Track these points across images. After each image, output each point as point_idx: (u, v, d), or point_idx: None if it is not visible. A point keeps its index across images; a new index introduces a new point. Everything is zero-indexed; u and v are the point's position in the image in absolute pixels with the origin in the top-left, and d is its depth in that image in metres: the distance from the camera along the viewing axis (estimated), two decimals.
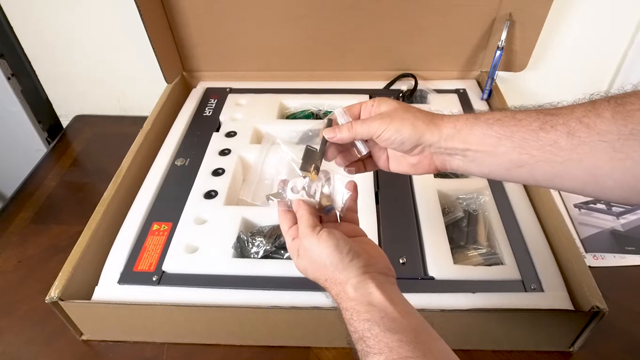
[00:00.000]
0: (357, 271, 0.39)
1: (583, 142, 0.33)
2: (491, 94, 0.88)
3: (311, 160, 0.45)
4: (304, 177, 0.45)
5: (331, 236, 0.40)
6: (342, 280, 0.39)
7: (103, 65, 1.00)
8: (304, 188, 0.45)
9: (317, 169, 0.45)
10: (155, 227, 0.65)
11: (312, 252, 0.40)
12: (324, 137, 0.46)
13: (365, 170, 0.50)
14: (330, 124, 0.47)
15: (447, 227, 0.63)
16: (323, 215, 0.45)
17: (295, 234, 0.43)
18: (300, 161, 0.46)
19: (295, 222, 0.44)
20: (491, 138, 0.38)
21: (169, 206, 0.68)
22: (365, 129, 0.43)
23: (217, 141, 0.79)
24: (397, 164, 0.47)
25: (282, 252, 0.61)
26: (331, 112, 0.88)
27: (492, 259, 0.61)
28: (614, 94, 0.34)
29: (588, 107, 0.34)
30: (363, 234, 0.45)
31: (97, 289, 0.58)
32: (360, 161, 0.50)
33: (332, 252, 0.39)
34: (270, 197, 0.46)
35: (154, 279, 0.58)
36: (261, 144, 0.65)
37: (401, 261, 0.59)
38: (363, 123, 0.43)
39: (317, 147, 0.46)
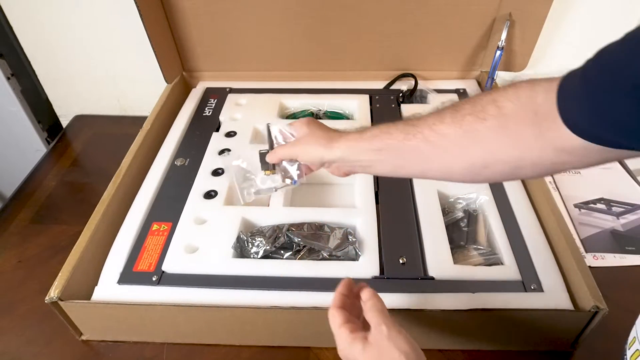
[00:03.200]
0: None
1: (435, 144, 0.43)
2: None
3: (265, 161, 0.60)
4: (266, 175, 0.62)
5: (408, 336, 0.41)
6: None
7: (103, 65, 1.00)
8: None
9: (272, 167, 0.60)
10: (155, 227, 0.65)
11: (391, 344, 0.40)
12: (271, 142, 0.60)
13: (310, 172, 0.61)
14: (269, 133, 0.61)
15: (447, 227, 0.63)
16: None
17: (355, 326, 0.43)
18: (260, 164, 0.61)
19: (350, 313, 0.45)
20: (373, 152, 0.48)
21: (168, 206, 0.68)
22: (287, 153, 0.56)
23: (217, 141, 0.79)
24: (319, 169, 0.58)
25: (282, 252, 0.61)
26: (332, 112, 0.89)
27: (492, 259, 0.61)
28: (455, 102, 0.43)
29: (436, 116, 0.44)
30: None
31: (96, 289, 0.58)
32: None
33: (412, 351, 0.39)
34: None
35: (154, 279, 0.58)
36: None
37: (401, 261, 0.59)
38: (283, 148, 0.57)
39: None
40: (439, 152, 0.44)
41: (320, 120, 0.61)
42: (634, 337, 0.35)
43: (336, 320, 0.43)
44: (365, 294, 0.45)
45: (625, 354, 0.40)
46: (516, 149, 0.39)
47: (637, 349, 0.34)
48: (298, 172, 0.59)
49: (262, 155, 0.61)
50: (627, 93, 0.30)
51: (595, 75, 0.34)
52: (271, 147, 0.60)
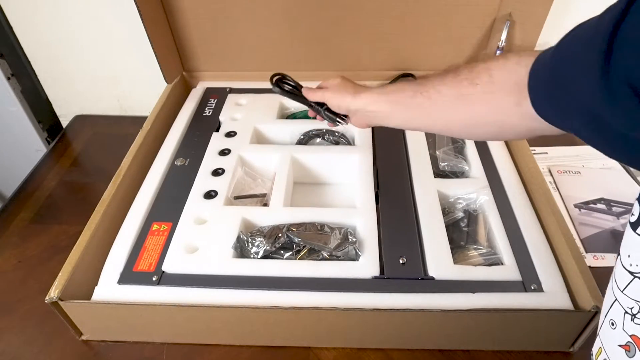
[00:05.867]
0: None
1: (436, 102, 0.50)
2: None
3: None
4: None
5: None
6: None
7: (103, 65, 1.00)
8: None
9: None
10: (155, 227, 0.65)
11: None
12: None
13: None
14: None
15: (447, 227, 0.63)
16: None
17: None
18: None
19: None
20: (389, 104, 0.56)
21: (168, 206, 0.68)
22: (319, 96, 0.65)
23: (217, 141, 0.79)
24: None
25: (282, 252, 0.61)
26: None
27: (492, 259, 0.61)
28: (459, 66, 0.49)
29: (440, 77, 0.50)
30: None
31: (97, 289, 0.58)
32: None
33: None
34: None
35: (154, 279, 0.58)
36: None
37: (401, 261, 0.59)
38: (315, 91, 0.66)
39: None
40: (439, 109, 0.50)
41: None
42: (600, 347, 0.35)
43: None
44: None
45: None
46: (499, 113, 0.45)
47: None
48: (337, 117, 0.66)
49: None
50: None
51: (553, 61, 0.38)
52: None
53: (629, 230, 0.31)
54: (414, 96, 0.52)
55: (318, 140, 0.80)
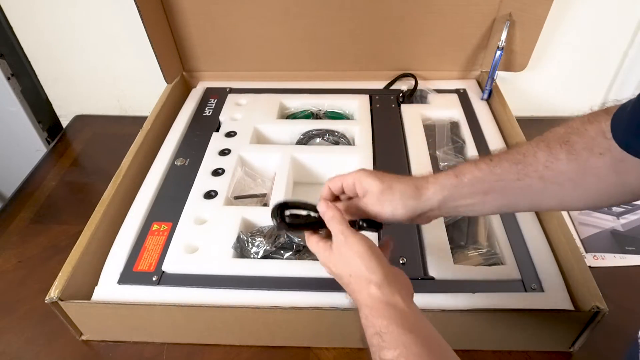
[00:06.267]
0: (383, 273, 0.42)
1: (551, 182, 0.42)
2: (491, 94, 0.88)
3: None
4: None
5: (366, 238, 0.44)
6: (367, 278, 0.42)
7: (103, 65, 1.00)
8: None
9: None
10: (155, 227, 0.65)
11: (348, 248, 0.43)
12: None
13: None
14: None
15: (447, 227, 0.63)
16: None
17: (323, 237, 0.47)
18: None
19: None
20: (478, 195, 0.45)
21: (168, 206, 0.68)
22: (363, 214, 0.48)
23: (217, 141, 0.79)
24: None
25: (282, 252, 0.61)
26: (332, 112, 0.88)
27: (492, 259, 0.61)
28: (558, 132, 0.42)
29: (547, 152, 0.42)
30: None
31: (97, 289, 0.58)
32: None
33: (366, 252, 0.43)
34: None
35: (154, 279, 0.58)
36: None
37: (401, 261, 0.59)
38: (357, 210, 0.48)
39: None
40: (555, 188, 0.42)
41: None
42: None
43: (310, 238, 0.48)
44: (322, 207, 0.47)
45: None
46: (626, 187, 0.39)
47: None
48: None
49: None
50: None
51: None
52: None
53: None
54: (517, 179, 0.43)
55: (318, 140, 0.80)
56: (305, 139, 0.81)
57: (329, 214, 0.46)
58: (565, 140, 0.41)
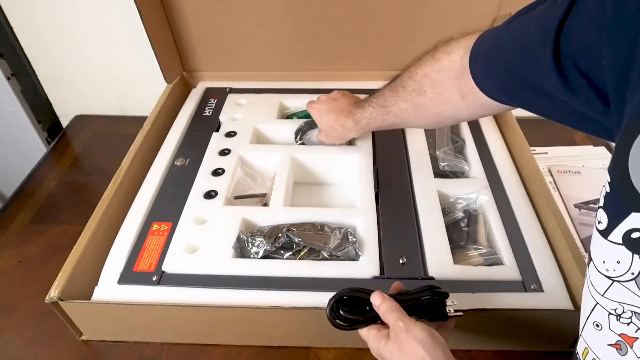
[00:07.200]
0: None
1: (401, 117, 0.61)
2: None
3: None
4: None
5: (426, 326, 0.43)
6: None
7: (103, 65, 1.00)
8: None
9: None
10: (155, 227, 0.65)
11: (408, 335, 0.41)
12: None
13: None
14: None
15: (447, 227, 0.63)
16: None
17: (379, 326, 0.45)
18: None
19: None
20: (365, 129, 0.69)
21: (168, 206, 0.68)
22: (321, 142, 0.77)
23: (217, 141, 0.79)
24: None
25: (282, 252, 0.61)
26: None
27: (492, 259, 0.61)
28: (401, 76, 0.59)
29: (393, 92, 0.60)
30: None
31: (97, 289, 0.58)
32: None
33: (428, 339, 0.41)
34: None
35: (154, 279, 0.58)
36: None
37: (401, 261, 0.59)
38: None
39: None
40: (409, 120, 0.61)
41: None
42: (585, 347, 0.35)
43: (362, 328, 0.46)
44: (376, 299, 0.45)
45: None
46: (452, 109, 0.54)
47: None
48: None
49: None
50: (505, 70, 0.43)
51: (501, 47, 0.44)
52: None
53: (598, 237, 0.31)
54: (384, 119, 0.62)
55: (315, 132, 0.78)
56: (301, 134, 0.79)
57: (385, 306, 0.44)
58: (399, 78, 0.59)
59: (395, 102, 0.59)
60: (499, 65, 0.44)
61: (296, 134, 0.80)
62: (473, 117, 0.57)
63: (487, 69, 0.46)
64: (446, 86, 0.53)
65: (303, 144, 0.80)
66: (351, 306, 0.46)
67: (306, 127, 0.80)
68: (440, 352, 0.40)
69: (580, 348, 0.36)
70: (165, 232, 0.64)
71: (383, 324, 0.45)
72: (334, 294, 0.46)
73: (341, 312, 0.45)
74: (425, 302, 0.46)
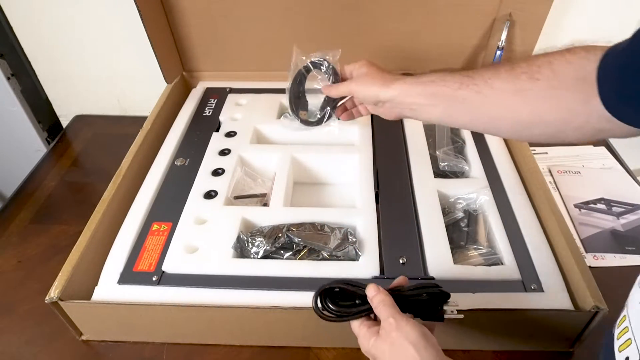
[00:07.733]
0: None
1: (487, 96, 0.46)
2: None
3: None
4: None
5: (419, 325, 0.41)
6: None
7: (103, 65, 1.00)
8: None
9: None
10: (155, 227, 0.65)
11: (399, 334, 0.40)
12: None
13: (354, 117, 0.69)
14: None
15: (447, 227, 0.63)
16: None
17: (370, 323, 0.44)
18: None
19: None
20: (426, 97, 0.51)
21: (168, 206, 0.68)
22: (345, 90, 0.62)
23: (217, 141, 0.79)
24: (373, 111, 0.64)
25: (282, 252, 0.61)
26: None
27: (492, 259, 0.61)
28: (515, 59, 0.46)
29: (493, 70, 0.46)
30: None
31: (96, 289, 0.58)
32: (349, 111, 0.69)
33: (420, 339, 0.39)
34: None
35: (154, 279, 0.58)
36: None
37: (401, 261, 0.59)
38: (340, 85, 0.63)
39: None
40: (490, 105, 0.46)
41: None
42: (625, 315, 0.34)
43: (354, 321, 0.45)
44: (371, 291, 0.44)
45: (613, 332, 0.39)
46: (562, 111, 0.41)
47: (629, 338, 0.33)
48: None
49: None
50: None
51: (629, 55, 0.35)
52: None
53: None
54: (459, 88, 0.47)
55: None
56: (297, 81, 0.72)
57: (378, 298, 0.43)
58: (512, 62, 0.45)
59: (487, 78, 0.46)
60: None
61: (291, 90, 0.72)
62: (585, 133, 0.42)
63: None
64: (569, 82, 0.41)
65: (301, 111, 0.72)
66: (342, 299, 0.45)
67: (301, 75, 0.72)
68: (432, 354, 0.39)
69: (619, 318, 0.36)
70: (165, 232, 0.64)
71: (376, 319, 0.44)
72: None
73: (329, 303, 0.44)
74: (424, 300, 0.45)
